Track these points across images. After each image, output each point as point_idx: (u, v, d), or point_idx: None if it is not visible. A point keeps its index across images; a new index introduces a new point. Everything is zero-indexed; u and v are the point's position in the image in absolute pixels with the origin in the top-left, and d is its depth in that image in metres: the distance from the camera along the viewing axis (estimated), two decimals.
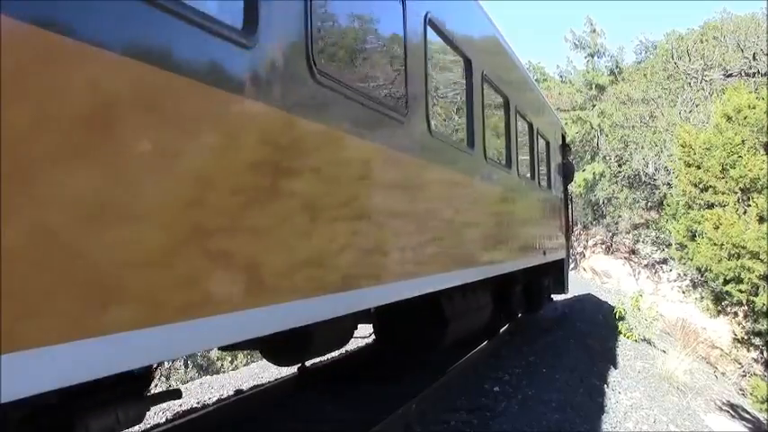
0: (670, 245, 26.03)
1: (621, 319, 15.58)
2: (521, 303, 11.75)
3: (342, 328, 5.37)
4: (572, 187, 37.72)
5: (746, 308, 18.31)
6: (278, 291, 3.18)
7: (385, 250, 4.54)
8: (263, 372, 10.53)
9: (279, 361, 6.07)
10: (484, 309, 8.78)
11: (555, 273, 14.22)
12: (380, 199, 4.48)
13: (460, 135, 6.89)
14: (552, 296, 15.57)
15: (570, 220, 15.34)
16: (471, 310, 8.09)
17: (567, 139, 15.98)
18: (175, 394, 3.99)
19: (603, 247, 36.68)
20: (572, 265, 37.96)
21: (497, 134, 8.43)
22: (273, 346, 5.20)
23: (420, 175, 5.26)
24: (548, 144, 12.33)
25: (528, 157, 10.48)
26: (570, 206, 15.43)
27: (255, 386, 9.12)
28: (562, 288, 14.74)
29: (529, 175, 10.41)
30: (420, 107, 5.19)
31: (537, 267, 11.36)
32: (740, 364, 21.58)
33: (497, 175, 7.97)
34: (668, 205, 25.23)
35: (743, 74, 26.93)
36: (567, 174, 14.64)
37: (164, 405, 8.01)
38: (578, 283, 27.50)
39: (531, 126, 10.44)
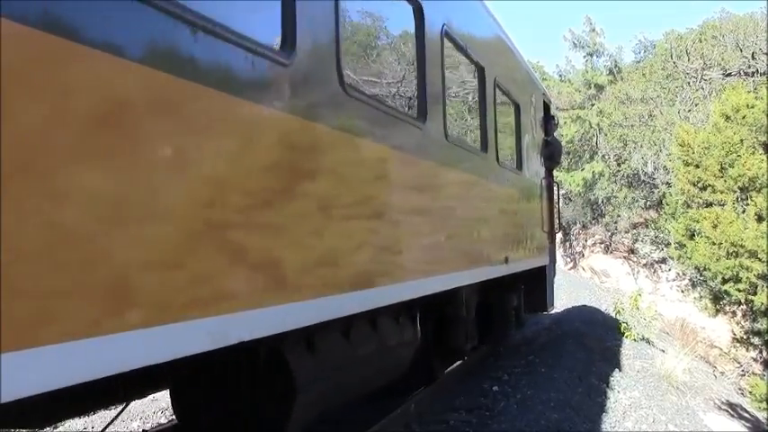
0: (669, 244, 26.05)
1: (617, 313, 15.63)
2: (471, 333, 8.02)
3: None
4: (571, 186, 37.98)
5: (745, 307, 18.34)
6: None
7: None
8: None
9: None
10: (392, 352, 5.82)
11: (533, 285, 10.84)
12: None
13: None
14: (537, 312, 12.12)
15: (558, 214, 12.18)
16: (363, 357, 5.16)
17: (554, 111, 12.37)
18: None
19: (602, 246, 36.71)
20: (570, 265, 37.99)
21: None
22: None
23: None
24: (517, 109, 9.13)
25: (477, 122, 7.44)
26: (558, 196, 12.14)
27: None
28: (544, 304, 11.25)
29: (478, 146, 7.32)
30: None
31: (500, 281, 8.40)
32: (739, 363, 21.60)
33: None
34: (667, 204, 25.24)
35: (742, 73, 26.95)
36: (552, 154, 11.26)
37: (163, 404, 8.01)
38: (576, 283, 27.50)
39: (478, 69, 7.30)
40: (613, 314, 16.65)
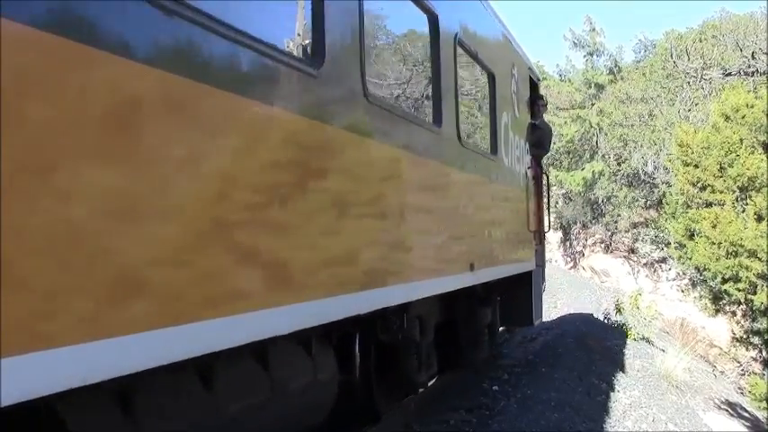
0: (669, 244, 26.06)
1: (618, 312, 15.66)
2: (427, 360, 6.44)
3: None
4: (571, 186, 37.96)
5: (745, 306, 18.35)
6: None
7: None
8: None
9: None
10: (296, 396, 4.03)
11: (516, 294, 9.06)
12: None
13: None
14: (520, 326, 10.84)
15: (548, 210, 10.43)
16: (242, 410, 3.40)
17: (542, 90, 11.14)
18: None
19: (602, 245, 36.72)
20: (570, 264, 38.00)
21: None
22: None
23: None
24: (492, 80, 7.54)
25: (426, 87, 5.95)
26: (548, 189, 10.46)
27: None
28: (528, 316, 9.26)
29: (428, 117, 5.74)
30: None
31: (470, 292, 6.99)
32: (739, 362, 21.63)
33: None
34: (667, 204, 25.23)
35: (742, 73, 26.95)
36: (541, 141, 9.63)
37: None
38: (577, 283, 27.52)
39: (430, 17, 5.66)
40: (613, 314, 16.65)
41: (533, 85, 9.93)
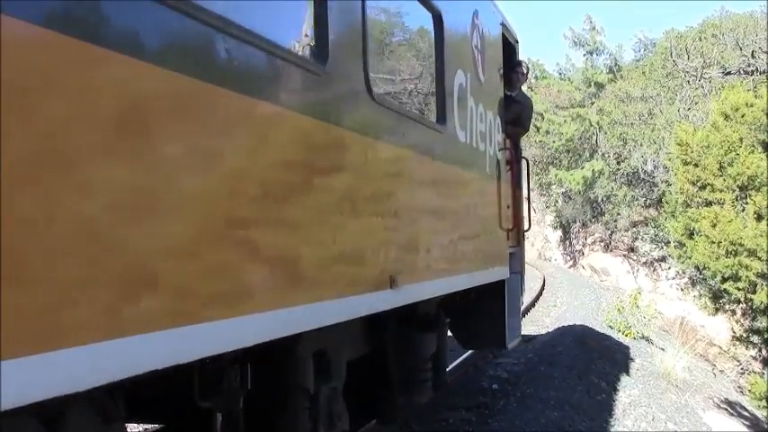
0: (669, 242, 26.07)
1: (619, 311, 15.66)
2: (333, 411, 4.44)
3: None
4: (571, 185, 37.98)
5: (744, 305, 18.35)
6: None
7: None
8: None
9: None
10: None
11: (483, 309, 7.10)
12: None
13: None
14: (487, 349, 9.07)
15: (529, 204, 8.57)
16: None
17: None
18: None
19: (602, 244, 36.76)
20: (570, 263, 38.02)
21: None
22: None
23: None
24: (439, 23, 5.46)
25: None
26: (529, 179, 8.59)
27: None
28: (500, 337, 7.15)
29: (308, 56, 3.89)
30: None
31: (405, 314, 5.17)
32: (738, 361, 21.64)
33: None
34: (667, 203, 25.25)
35: (741, 72, 26.94)
36: (519, 117, 7.86)
37: None
38: (576, 281, 27.52)
39: None
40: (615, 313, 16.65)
41: (509, 48, 7.83)
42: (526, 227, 8.27)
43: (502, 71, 7.31)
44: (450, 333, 7.17)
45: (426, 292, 5.14)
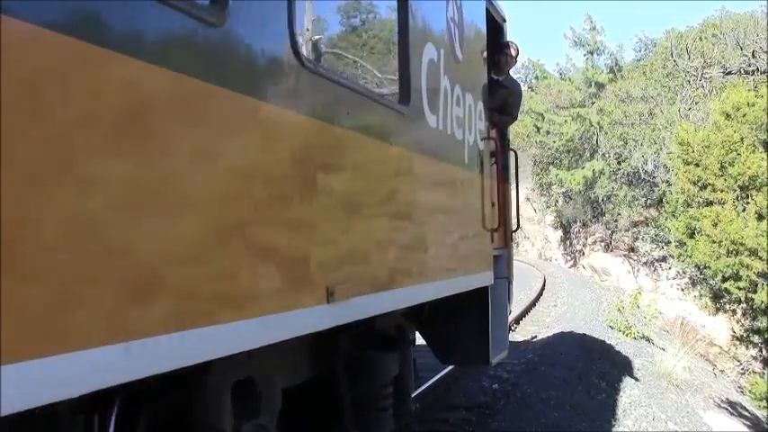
0: (669, 242, 26.07)
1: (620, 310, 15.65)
2: None
3: None
4: (571, 185, 38.00)
5: (745, 305, 18.36)
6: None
7: None
8: None
9: None
10: None
11: (461, 322, 6.26)
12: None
13: None
14: (467, 365, 7.97)
15: (517, 199, 7.53)
16: None
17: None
18: None
19: (602, 244, 36.76)
20: (570, 263, 38.03)
21: None
22: None
23: None
24: None
25: None
26: (517, 173, 7.58)
27: None
28: (482, 352, 6.30)
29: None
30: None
31: (359, 330, 4.42)
32: (739, 361, 21.63)
33: None
34: (667, 203, 25.25)
35: (742, 72, 26.94)
36: (506, 104, 7.12)
37: None
38: (577, 281, 27.53)
39: None
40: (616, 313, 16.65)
41: (496, 27, 7.00)
42: (515, 226, 7.49)
43: (486, 52, 6.39)
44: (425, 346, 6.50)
45: (380, 306, 4.11)
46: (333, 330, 3.63)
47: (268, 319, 2.88)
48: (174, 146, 2.39)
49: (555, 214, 40.89)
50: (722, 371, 20.90)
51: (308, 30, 3.85)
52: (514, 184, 7.34)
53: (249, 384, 3.36)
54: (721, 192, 18.56)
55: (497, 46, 6.95)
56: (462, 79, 5.62)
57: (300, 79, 3.20)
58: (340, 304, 3.44)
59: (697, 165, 19.21)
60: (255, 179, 2.88)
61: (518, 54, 7.27)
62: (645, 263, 33.69)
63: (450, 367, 8.78)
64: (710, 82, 29.93)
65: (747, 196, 18.18)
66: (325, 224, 3.42)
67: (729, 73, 27.74)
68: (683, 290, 27.55)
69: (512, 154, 7.37)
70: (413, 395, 5.96)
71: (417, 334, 6.13)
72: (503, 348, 6.71)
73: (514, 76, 7.99)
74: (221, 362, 2.71)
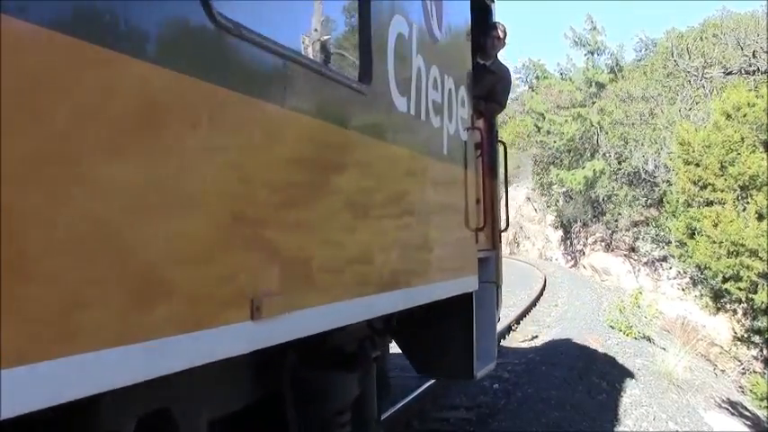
0: (670, 242, 26.08)
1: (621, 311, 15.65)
2: None
3: None
4: (572, 184, 37.98)
5: (746, 305, 18.37)
6: None
7: None
8: None
9: None
10: None
11: (443, 331, 5.67)
12: None
13: None
14: (450, 379, 7.17)
15: (506, 196, 6.82)
16: None
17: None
18: None
19: (603, 244, 36.75)
20: (571, 263, 38.02)
21: None
22: None
23: None
24: None
25: None
26: (506, 167, 6.71)
27: None
28: (466, 364, 5.68)
29: None
30: None
31: (310, 346, 3.53)
32: (740, 361, 21.63)
33: None
34: (668, 203, 25.27)
35: (742, 72, 26.96)
36: (493, 90, 6.50)
37: None
38: (577, 281, 27.53)
39: None
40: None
41: (482, 7, 6.39)
42: (503, 225, 6.68)
43: (470, 33, 5.75)
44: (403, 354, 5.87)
45: (324, 322, 3.28)
46: (283, 346, 2.98)
47: (166, 343, 2.17)
48: None
49: (555, 214, 40.91)
50: (723, 371, 20.90)
51: None
52: (503, 180, 6.68)
53: (165, 416, 2.73)
54: (722, 191, 18.57)
55: (483, 28, 6.35)
56: (441, 60, 4.98)
57: (217, 44, 2.47)
58: (267, 322, 2.72)
59: (697, 165, 19.23)
60: (185, 169, 2.28)
61: (506, 36, 6.58)
62: (645, 263, 33.70)
63: None
64: (711, 82, 29.95)
65: (748, 196, 18.20)
66: (252, 223, 2.69)
67: (730, 73, 27.76)
68: (683, 290, 27.56)
69: (501, 146, 6.66)
70: (382, 417, 5.33)
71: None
72: (490, 360, 6.14)
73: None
74: (122, 392, 2.08)
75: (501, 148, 6.62)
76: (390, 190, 4.17)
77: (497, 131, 6.84)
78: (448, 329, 5.54)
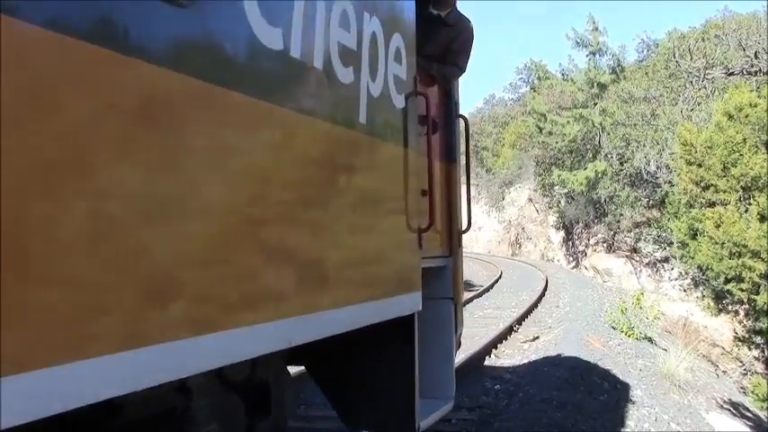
0: (672, 243, 26.06)
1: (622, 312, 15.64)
2: None
3: None
4: (573, 185, 37.95)
5: (747, 306, 18.35)
6: None
7: None
8: None
9: None
10: None
11: (376, 368, 3.92)
12: None
13: None
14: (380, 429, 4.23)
15: (468, 188, 5.12)
16: None
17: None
18: None
19: (605, 245, 36.72)
20: (573, 264, 38.01)
21: None
22: None
23: None
24: None
25: None
26: (468, 147, 5.23)
27: None
28: (406, 412, 3.88)
29: None
30: None
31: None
32: (741, 362, 21.61)
33: None
34: (670, 204, 25.25)
35: (744, 72, 26.94)
36: (450, 49, 4.90)
37: None
38: (579, 282, 27.50)
39: None
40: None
41: None
42: (463, 226, 5.07)
43: None
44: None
45: (156, 374, 1.97)
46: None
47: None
48: None
49: (557, 215, 40.89)
50: (725, 372, 20.87)
51: None
52: (465, 167, 5.34)
53: None
54: (724, 192, 18.56)
55: None
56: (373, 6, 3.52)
57: None
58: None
59: (699, 165, 19.22)
60: None
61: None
62: (647, 264, 33.67)
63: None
64: (713, 83, 29.94)
65: (750, 197, 18.18)
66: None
67: (732, 74, 27.74)
68: (685, 291, 27.55)
69: (461, 122, 5.14)
70: None
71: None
72: (444, 398, 4.76)
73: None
74: None
75: (462, 125, 5.14)
76: (264, 173, 2.57)
77: (458, 102, 5.20)
78: (380, 364, 3.95)
